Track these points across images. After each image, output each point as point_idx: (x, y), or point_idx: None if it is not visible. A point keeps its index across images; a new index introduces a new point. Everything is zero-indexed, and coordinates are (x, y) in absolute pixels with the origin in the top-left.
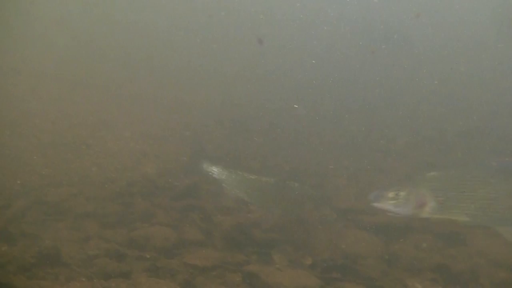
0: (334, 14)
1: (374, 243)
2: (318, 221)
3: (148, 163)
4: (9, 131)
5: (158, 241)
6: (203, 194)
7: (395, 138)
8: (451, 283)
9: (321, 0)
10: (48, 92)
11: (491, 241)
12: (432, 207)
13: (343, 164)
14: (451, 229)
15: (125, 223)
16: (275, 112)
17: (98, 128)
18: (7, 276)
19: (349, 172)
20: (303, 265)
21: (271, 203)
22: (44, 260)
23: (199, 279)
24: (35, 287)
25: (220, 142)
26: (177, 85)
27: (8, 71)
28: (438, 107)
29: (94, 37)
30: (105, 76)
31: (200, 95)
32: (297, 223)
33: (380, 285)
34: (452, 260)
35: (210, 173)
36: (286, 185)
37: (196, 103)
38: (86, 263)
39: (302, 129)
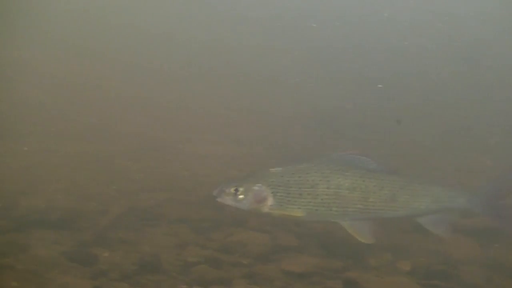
0: None
1: (472, 247)
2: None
3: (237, 167)
4: (96, 137)
5: (254, 247)
6: None
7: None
8: None
9: None
10: (133, 97)
11: None
12: (271, 202)
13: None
14: None
15: (220, 228)
16: (362, 112)
17: (186, 132)
18: (111, 283)
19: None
20: (402, 271)
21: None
22: (145, 267)
23: (297, 286)
24: None
25: (311, 145)
26: (263, 88)
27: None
28: None
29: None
30: (191, 79)
31: (287, 97)
32: (393, 227)
33: None
34: None
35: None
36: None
37: (283, 106)
38: (185, 270)
39: (389, 128)
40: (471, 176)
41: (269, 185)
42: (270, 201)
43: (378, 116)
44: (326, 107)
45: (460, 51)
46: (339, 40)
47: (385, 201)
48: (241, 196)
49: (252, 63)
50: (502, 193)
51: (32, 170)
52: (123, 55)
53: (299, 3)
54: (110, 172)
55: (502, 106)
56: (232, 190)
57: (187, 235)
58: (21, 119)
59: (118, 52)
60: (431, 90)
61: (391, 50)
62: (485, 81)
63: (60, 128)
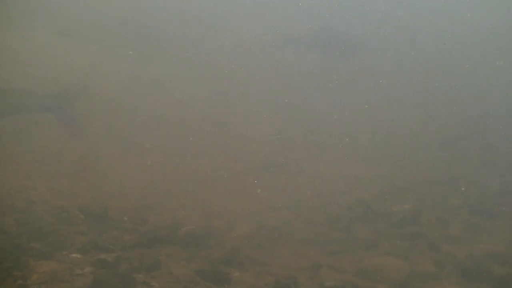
0: None
1: None
2: None
3: (362, 187)
4: (220, 153)
5: (390, 273)
6: (426, 221)
7: None
8: None
9: None
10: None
11: None
12: None
13: None
14: None
15: (350, 251)
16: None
17: (309, 150)
18: None
19: None
20: None
21: None
22: None
23: None
24: None
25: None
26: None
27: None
28: None
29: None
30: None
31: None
32: None
33: None
34: None
35: None
36: None
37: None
38: None
39: None
40: None
41: None
42: None
43: None
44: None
45: None
46: None
47: None
48: None
49: None
50: None
51: (156, 185)
52: None
53: None
54: (234, 189)
55: None
56: None
57: (317, 256)
58: (144, 134)
59: None
60: None
61: None
62: None
63: (182, 143)
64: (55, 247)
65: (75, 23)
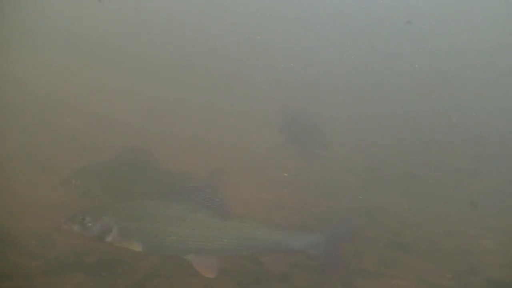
0: None
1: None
2: None
3: (280, 215)
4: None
5: None
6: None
7: None
8: None
9: None
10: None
11: None
12: (114, 234)
13: None
14: None
15: (261, 284)
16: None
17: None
18: None
19: None
20: None
21: None
22: None
23: None
24: None
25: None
26: None
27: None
28: None
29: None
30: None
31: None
32: None
33: None
34: None
35: None
36: None
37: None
38: None
39: None
40: None
41: (114, 217)
42: (114, 232)
43: None
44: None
45: None
46: None
47: (229, 240)
48: (88, 225)
49: None
50: (338, 240)
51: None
52: None
53: None
54: None
55: None
56: (80, 219)
57: None
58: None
59: None
60: None
61: None
62: None
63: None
64: None
65: None
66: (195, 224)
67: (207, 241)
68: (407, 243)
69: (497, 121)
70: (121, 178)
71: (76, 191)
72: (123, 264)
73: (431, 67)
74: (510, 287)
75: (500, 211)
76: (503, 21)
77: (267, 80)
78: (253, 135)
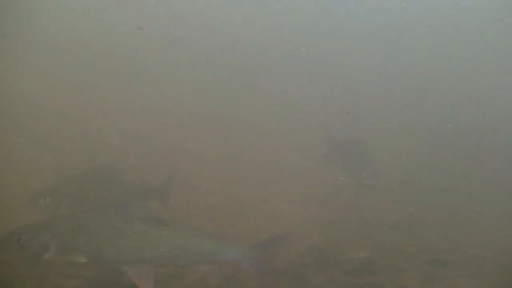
0: None
1: None
2: None
3: (317, 230)
4: None
5: None
6: (380, 269)
7: None
8: None
9: None
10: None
11: None
12: (53, 251)
13: None
14: None
15: None
16: None
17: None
18: None
19: None
20: None
21: None
22: None
23: None
24: None
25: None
26: None
27: None
28: None
29: None
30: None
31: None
32: None
33: None
34: None
35: None
36: None
37: None
38: None
39: None
40: None
41: (51, 234)
42: (52, 249)
43: None
44: None
45: None
46: None
47: (163, 250)
48: (25, 245)
49: None
50: (270, 253)
51: None
52: None
53: None
54: None
55: None
56: (16, 239)
57: None
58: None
59: None
60: None
61: None
62: None
63: None
64: None
65: None
66: (132, 235)
67: (143, 251)
68: (448, 258)
69: None
70: (89, 193)
71: (44, 209)
72: None
73: None
74: None
75: None
76: None
77: None
78: None
